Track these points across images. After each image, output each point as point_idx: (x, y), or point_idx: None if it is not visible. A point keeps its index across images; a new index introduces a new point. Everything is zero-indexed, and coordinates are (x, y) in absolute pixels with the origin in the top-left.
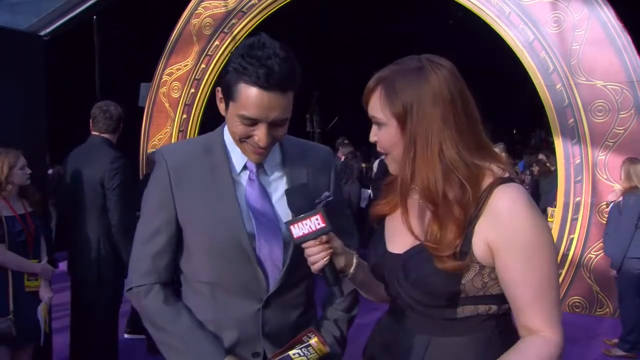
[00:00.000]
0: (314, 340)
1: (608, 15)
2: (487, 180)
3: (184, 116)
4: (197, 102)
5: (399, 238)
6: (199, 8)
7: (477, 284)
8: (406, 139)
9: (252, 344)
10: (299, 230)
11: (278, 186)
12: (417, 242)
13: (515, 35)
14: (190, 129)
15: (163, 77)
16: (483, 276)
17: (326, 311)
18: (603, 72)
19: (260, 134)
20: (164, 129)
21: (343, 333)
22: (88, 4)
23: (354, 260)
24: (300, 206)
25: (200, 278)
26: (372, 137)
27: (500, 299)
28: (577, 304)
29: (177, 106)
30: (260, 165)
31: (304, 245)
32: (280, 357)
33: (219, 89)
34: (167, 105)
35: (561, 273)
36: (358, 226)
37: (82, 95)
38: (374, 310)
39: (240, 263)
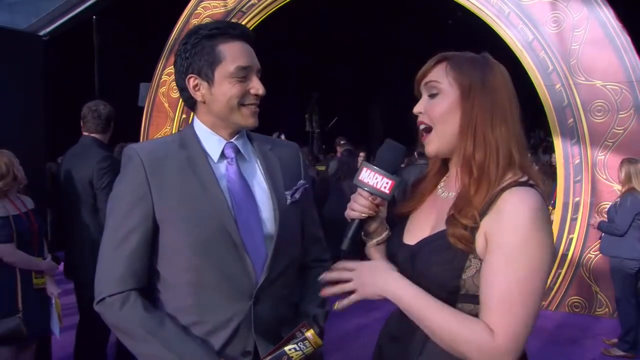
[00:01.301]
0: (309, 333)
1: (607, 15)
2: (509, 177)
3: (184, 116)
4: None
5: (416, 231)
6: (198, 8)
7: (477, 282)
8: (466, 112)
9: (243, 343)
10: (366, 177)
11: (255, 174)
12: (430, 234)
13: (514, 35)
14: None
15: (162, 77)
16: None
17: (303, 308)
18: (602, 72)
19: (255, 83)
20: (163, 129)
21: (322, 328)
22: (87, 4)
23: (384, 234)
24: (386, 162)
25: (182, 279)
26: (419, 108)
27: None
28: (576, 303)
29: (176, 106)
30: (238, 151)
31: (359, 191)
32: (276, 353)
33: (192, 76)
34: (166, 105)
35: (560, 273)
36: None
37: (81, 95)
38: (373, 310)
39: (228, 255)
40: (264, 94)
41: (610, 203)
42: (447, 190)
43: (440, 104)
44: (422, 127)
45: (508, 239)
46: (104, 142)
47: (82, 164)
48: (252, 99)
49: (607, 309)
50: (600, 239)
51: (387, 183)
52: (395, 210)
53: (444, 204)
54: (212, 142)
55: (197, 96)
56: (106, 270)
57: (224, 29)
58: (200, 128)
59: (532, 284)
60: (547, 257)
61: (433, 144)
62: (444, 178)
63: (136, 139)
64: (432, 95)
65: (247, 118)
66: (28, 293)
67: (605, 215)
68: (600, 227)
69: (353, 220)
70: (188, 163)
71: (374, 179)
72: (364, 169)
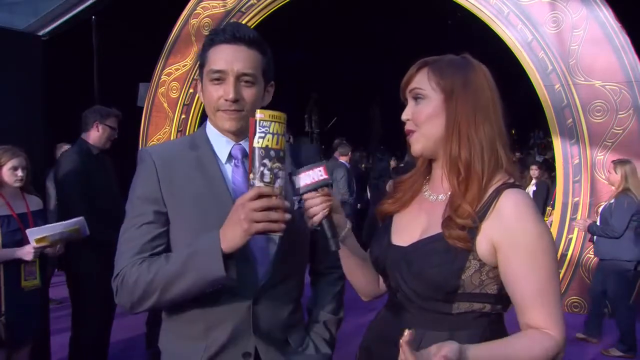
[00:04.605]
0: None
1: (606, 15)
2: (498, 178)
3: (183, 116)
4: (196, 103)
5: (405, 232)
6: (197, 8)
7: (475, 281)
8: (450, 114)
9: (243, 344)
10: (303, 181)
11: None
12: (424, 237)
13: (513, 35)
14: (189, 129)
15: (162, 77)
16: (482, 274)
17: (314, 314)
18: (601, 72)
19: (227, 87)
20: (163, 129)
21: (333, 335)
22: (86, 4)
23: (348, 225)
24: (305, 158)
25: None
26: (407, 115)
27: (495, 298)
28: (575, 303)
29: (175, 106)
30: (245, 154)
31: (305, 196)
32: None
33: (197, 77)
34: (165, 105)
35: (560, 273)
36: None
37: (80, 95)
38: (373, 311)
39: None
40: (233, 100)
41: (603, 205)
42: (435, 193)
43: (425, 108)
44: (409, 135)
45: (524, 239)
46: (84, 141)
47: None
48: (224, 104)
49: (606, 309)
50: (590, 240)
51: (320, 171)
52: (378, 209)
53: (433, 206)
54: (221, 144)
55: (200, 97)
56: (122, 253)
57: (217, 33)
58: (210, 129)
59: (553, 269)
60: (552, 240)
61: (419, 144)
62: (427, 180)
63: (135, 139)
64: (417, 102)
65: (223, 122)
66: (13, 295)
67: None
68: (592, 229)
69: (321, 223)
70: (197, 163)
71: (309, 177)
72: (295, 178)
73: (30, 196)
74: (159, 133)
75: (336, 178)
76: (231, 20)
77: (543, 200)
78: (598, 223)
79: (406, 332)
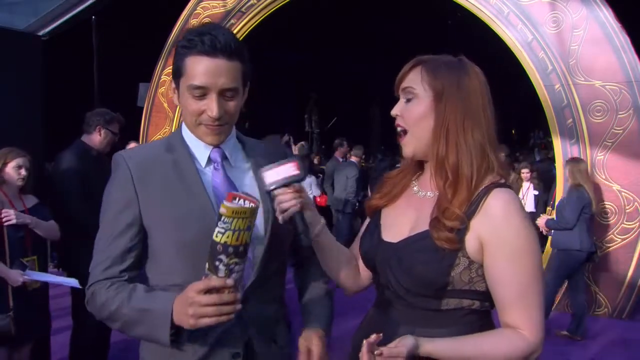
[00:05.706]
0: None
1: (607, 15)
2: (488, 179)
3: None
4: None
5: (395, 229)
6: (197, 8)
7: (464, 278)
8: (439, 116)
9: (232, 344)
10: (272, 177)
11: (243, 178)
12: (413, 233)
13: (513, 35)
14: None
15: (162, 77)
16: (471, 271)
17: (307, 283)
18: (601, 72)
19: (210, 104)
20: (163, 129)
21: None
22: (86, 4)
23: (322, 221)
24: (273, 155)
25: (171, 281)
26: (396, 111)
27: (484, 296)
28: None
29: (175, 106)
30: (224, 157)
31: (276, 192)
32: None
33: (173, 79)
34: (165, 105)
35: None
36: None
37: (80, 95)
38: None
39: None
40: (217, 117)
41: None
42: (424, 190)
43: (415, 108)
44: (399, 129)
45: (509, 239)
46: (82, 142)
47: None
48: (207, 120)
49: (606, 309)
50: (548, 234)
51: (291, 166)
52: (367, 204)
53: (422, 203)
54: (199, 147)
55: (175, 100)
56: (97, 263)
57: (194, 41)
58: (187, 132)
59: (537, 271)
60: (537, 241)
61: (409, 146)
62: (417, 176)
63: (135, 139)
64: (408, 100)
65: (205, 136)
66: (20, 292)
67: (605, 215)
68: (549, 224)
69: (292, 218)
70: (174, 166)
71: (276, 174)
72: (265, 174)
73: (27, 195)
74: (159, 133)
75: (348, 176)
76: (231, 21)
77: (545, 200)
78: (555, 218)
79: (373, 336)
